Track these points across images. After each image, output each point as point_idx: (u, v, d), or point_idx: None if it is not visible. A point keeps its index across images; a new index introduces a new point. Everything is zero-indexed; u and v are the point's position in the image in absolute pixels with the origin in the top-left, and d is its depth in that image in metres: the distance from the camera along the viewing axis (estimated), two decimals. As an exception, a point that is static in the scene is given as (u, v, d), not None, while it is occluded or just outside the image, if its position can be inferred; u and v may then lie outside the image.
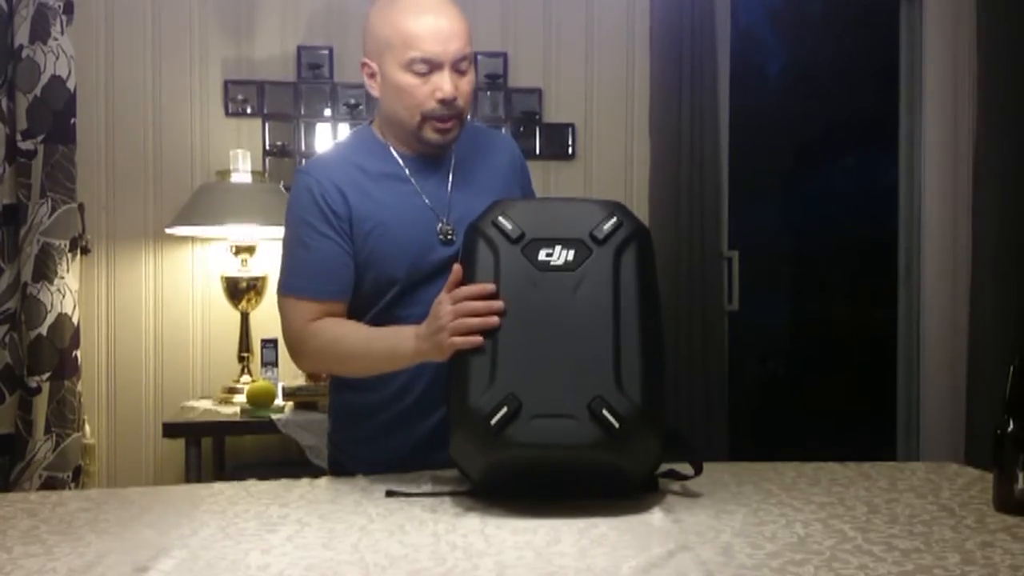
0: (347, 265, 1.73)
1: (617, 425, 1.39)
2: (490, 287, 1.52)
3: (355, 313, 1.78)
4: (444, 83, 1.69)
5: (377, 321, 1.75)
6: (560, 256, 1.53)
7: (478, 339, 1.49)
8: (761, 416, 4.40)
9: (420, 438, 1.73)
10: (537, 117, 3.48)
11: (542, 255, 1.53)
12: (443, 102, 1.70)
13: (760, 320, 4.13)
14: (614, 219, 1.54)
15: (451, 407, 1.51)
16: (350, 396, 1.86)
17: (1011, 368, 1.41)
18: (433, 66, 1.68)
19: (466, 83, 1.73)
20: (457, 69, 1.71)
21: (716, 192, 3.48)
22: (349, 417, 1.88)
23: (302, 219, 1.74)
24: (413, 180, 1.78)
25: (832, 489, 1.55)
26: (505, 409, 1.41)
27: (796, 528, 1.33)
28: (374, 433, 1.81)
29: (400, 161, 1.79)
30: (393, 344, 1.64)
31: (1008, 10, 3.44)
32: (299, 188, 1.76)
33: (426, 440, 1.71)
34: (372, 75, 1.76)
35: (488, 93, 3.44)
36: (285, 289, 1.76)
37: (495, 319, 1.49)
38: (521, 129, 3.45)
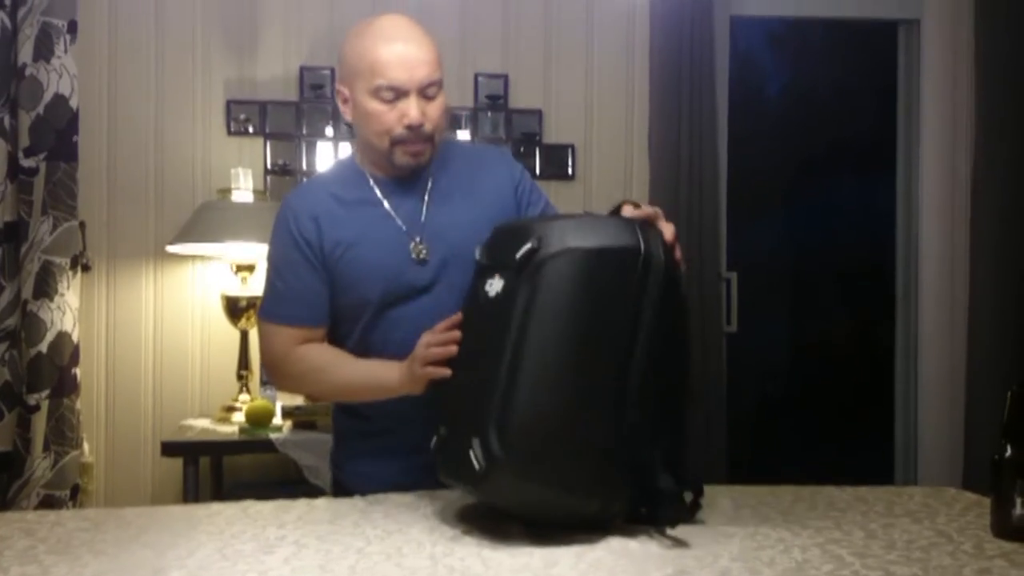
0: (321, 293, 1.78)
1: (479, 465, 1.34)
2: (457, 318, 1.57)
3: (336, 337, 1.83)
4: (411, 109, 1.72)
5: (358, 344, 1.79)
6: (493, 286, 1.46)
7: (445, 370, 1.55)
8: (759, 438, 4.40)
9: (421, 460, 1.72)
10: (537, 138, 3.49)
11: (485, 285, 1.49)
12: (410, 128, 1.73)
13: (759, 342, 4.13)
14: (529, 244, 1.40)
15: None
16: (351, 417, 1.87)
17: (1009, 393, 1.41)
18: (399, 93, 1.72)
19: (434, 108, 1.75)
20: (424, 95, 1.74)
21: (715, 213, 3.49)
22: (351, 437, 1.89)
23: (278, 249, 1.82)
24: (386, 203, 1.80)
25: (830, 513, 1.55)
26: (434, 439, 1.49)
27: (794, 553, 1.33)
28: (375, 453, 1.82)
29: (374, 185, 1.82)
30: (378, 375, 1.71)
31: (1006, 33, 3.46)
32: (277, 219, 1.84)
33: (428, 462, 1.71)
34: (345, 101, 1.82)
35: (489, 114, 3.45)
36: (264, 315, 1.84)
37: (453, 348, 1.55)
38: (521, 149, 3.47)
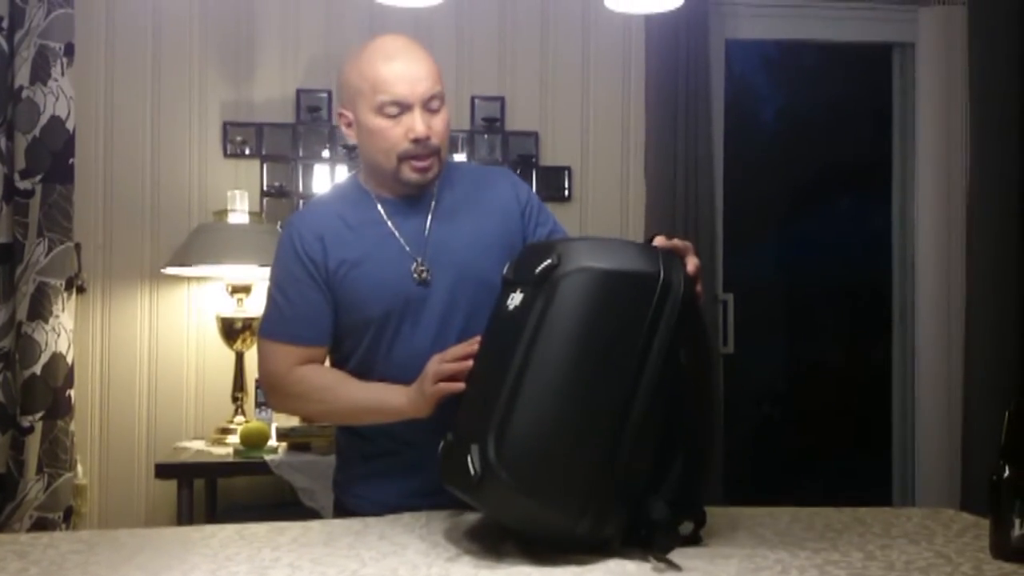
0: (324, 312, 1.77)
1: (473, 471, 1.33)
2: (475, 341, 1.58)
3: (338, 356, 1.82)
4: (416, 123, 1.73)
5: (360, 364, 1.78)
6: (514, 301, 1.47)
7: (458, 385, 1.55)
8: (756, 459, 4.39)
9: (422, 482, 1.70)
10: (534, 160, 3.50)
11: (507, 300, 1.49)
12: (416, 141, 1.73)
13: (755, 363, 4.13)
14: (549, 260, 1.40)
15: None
16: (353, 438, 1.86)
17: (1007, 413, 1.40)
18: (403, 107, 1.73)
19: (439, 121, 1.76)
20: (428, 108, 1.75)
21: (711, 234, 3.50)
22: (352, 458, 1.88)
23: (283, 267, 1.81)
24: (390, 222, 1.80)
25: (827, 535, 1.54)
26: (442, 444, 1.49)
27: (792, 574, 1.32)
28: (377, 475, 1.81)
29: (379, 206, 1.82)
30: (384, 398, 1.70)
31: (1000, 56, 3.49)
32: (282, 239, 1.84)
33: (429, 484, 1.68)
34: (349, 124, 1.82)
35: (486, 136, 3.46)
36: (264, 334, 1.82)
37: (467, 364, 1.55)
38: (518, 171, 3.46)
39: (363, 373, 1.78)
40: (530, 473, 1.33)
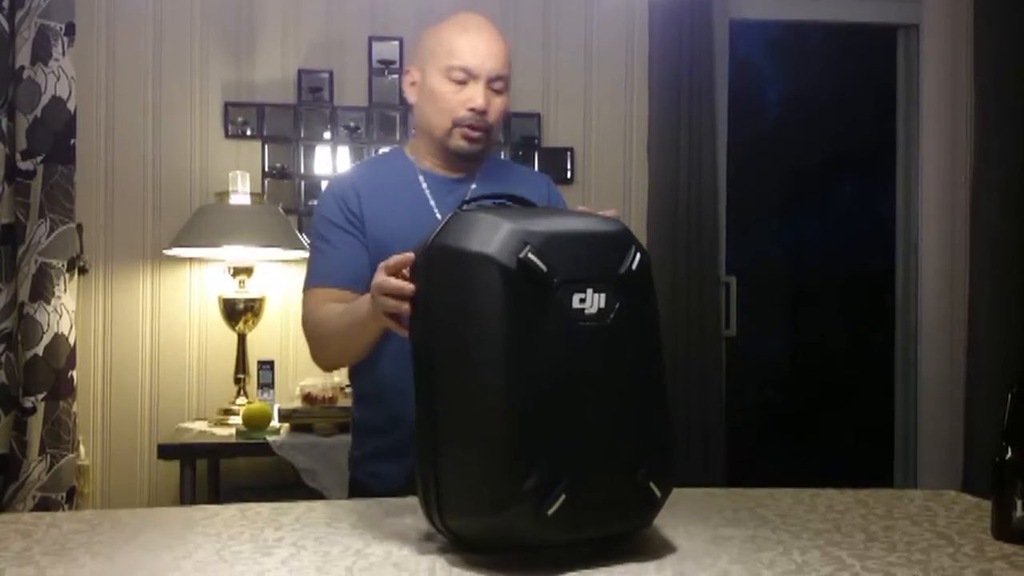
0: (356, 258, 1.81)
1: (659, 495, 1.30)
2: (409, 257, 1.37)
3: None
4: (477, 95, 1.80)
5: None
6: (593, 303, 1.26)
7: (402, 306, 1.36)
8: (758, 441, 4.39)
9: None
10: (536, 141, 3.49)
11: (576, 302, 1.25)
12: (472, 111, 1.80)
13: (758, 345, 4.14)
14: (633, 249, 1.30)
15: (476, 480, 1.25)
16: (367, 411, 1.88)
17: (1009, 395, 1.40)
18: (469, 76, 1.80)
19: (499, 102, 1.84)
20: (491, 87, 1.82)
21: (714, 217, 3.49)
22: (367, 434, 1.89)
23: (322, 218, 1.86)
24: (432, 199, 1.86)
25: (829, 516, 1.54)
26: (563, 498, 1.20)
27: (794, 555, 1.32)
28: (391, 452, 1.81)
29: (420, 176, 1.88)
30: (357, 308, 1.63)
31: (1005, 38, 3.47)
32: (323, 194, 1.91)
33: None
34: (413, 83, 1.88)
35: (487, 117, 3.45)
36: (304, 287, 1.86)
37: (409, 285, 1.36)
38: (520, 153, 3.46)
39: (381, 343, 1.73)
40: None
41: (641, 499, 1.29)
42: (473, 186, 1.88)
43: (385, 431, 1.83)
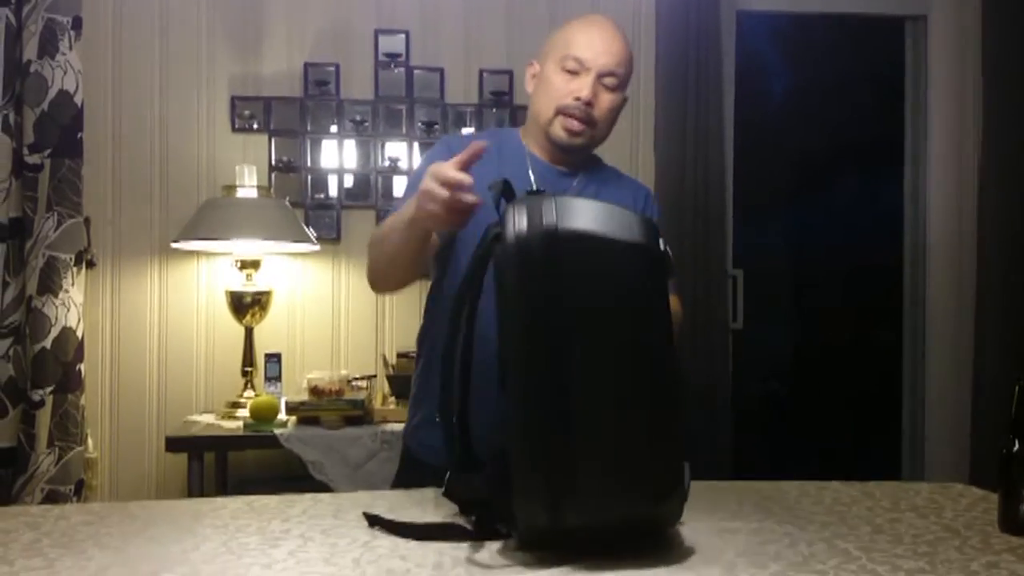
0: None
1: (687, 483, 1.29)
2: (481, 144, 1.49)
3: (432, 283, 1.91)
4: (585, 87, 1.82)
5: (444, 296, 1.82)
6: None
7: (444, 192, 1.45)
8: (765, 433, 4.39)
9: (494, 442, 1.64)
10: (542, 134, 3.48)
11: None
12: (577, 100, 1.82)
13: (765, 338, 4.13)
14: (661, 242, 1.27)
15: (638, 471, 1.24)
16: (431, 378, 1.82)
17: (1016, 388, 1.40)
18: (582, 68, 1.83)
19: (608, 98, 1.85)
20: (603, 82, 1.84)
21: (721, 209, 3.49)
22: (425, 400, 1.88)
23: (426, 164, 1.80)
24: (532, 176, 1.88)
25: (835, 508, 1.55)
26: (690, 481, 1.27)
27: (800, 547, 1.32)
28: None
29: (530, 163, 1.90)
30: (404, 212, 1.64)
31: (1013, 28, 3.45)
32: (435, 144, 1.94)
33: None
34: (534, 75, 1.93)
35: (494, 110, 3.45)
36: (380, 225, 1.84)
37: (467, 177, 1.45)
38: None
39: (440, 313, 1.77)
40: None
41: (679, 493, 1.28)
42: (575, 183, 1.89)
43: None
